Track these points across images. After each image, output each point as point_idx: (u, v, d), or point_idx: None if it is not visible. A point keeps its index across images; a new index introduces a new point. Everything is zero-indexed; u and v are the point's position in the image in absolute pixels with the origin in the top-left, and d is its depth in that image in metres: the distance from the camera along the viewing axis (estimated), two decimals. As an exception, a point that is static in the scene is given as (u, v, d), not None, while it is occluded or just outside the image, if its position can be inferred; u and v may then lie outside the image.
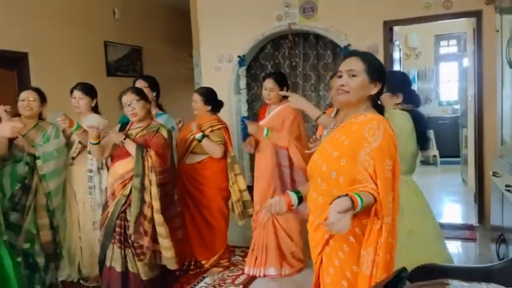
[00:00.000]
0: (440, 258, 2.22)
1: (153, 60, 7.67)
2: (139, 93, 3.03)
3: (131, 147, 2.91)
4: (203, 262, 3.50)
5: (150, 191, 2.89)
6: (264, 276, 3.36)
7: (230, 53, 5.08)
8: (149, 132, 2.99)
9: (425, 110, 9.22)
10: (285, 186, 3.26)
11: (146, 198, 2.89)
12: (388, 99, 2.27)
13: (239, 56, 5.01)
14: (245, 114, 5.09)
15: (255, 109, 5.25)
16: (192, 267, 3.52)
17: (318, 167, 1.70)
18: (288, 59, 5.15)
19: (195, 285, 3.29)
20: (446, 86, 9.18)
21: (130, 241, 2.91)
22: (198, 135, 3.36)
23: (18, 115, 3.24)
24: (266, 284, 3.29)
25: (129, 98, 2.96)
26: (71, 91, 3.47)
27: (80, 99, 3.42)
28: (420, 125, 2.32)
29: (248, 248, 3.87)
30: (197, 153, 3.45)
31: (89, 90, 3.49)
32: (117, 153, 3.04)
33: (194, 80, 7.88)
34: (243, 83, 5.08)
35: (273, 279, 3.33)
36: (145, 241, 2.87)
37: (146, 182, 2.88)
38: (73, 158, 3.38)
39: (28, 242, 3.04)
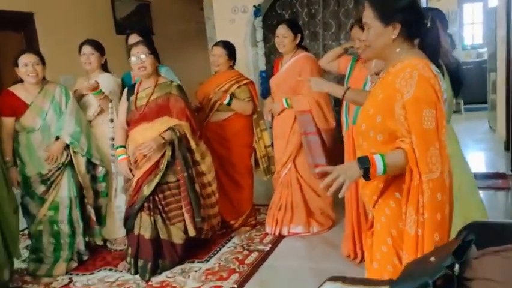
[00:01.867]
0: (481, 211, 2.07)
1: (162, 15, 7.38)
2: (150, 46, 2.86)
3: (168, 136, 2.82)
4: (231, 222, 3.43)
5: (199, 172, 2.90)
6: (290, 234, 3.28)
7: (244, 3, 4.78)
8: (162, 94, 2.84)
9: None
10: (316, 156, 3.10)
11: (197, 187, 2.89)
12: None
13: (254, 6, 4.72)
14: (263, 68, 4.86)
15: (273, 62, 5.01)
16: (218, 227, 3.44)
17: (358, 125, 1.59)
18: (306, 7, 4.83)
19: (223, 246, 3.23)
20: (470, 29, 8.72)
21: (159, 207, 2.85)
22: (226, 100, 3.23)
23: (18, 81, 3.02)
24: (295, 242, 3.21)
25: (139, 50, 2.80)
26: (80, 48, 3.29)
27: (90, 54, 3.24)
28: (454, 69, 2.12)
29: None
30: (222, 111, 3.31)
31: (98, 46, 3.31)
32: (133, 118, 2.89)
33: (206, 35, 7.62)
34: (259, 34, 4.82)
35: (301, 237, 3.25)
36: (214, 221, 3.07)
37: (194, 173, 2.87)
38: (90, 121, 3.25)
39: (52, 210, 3.01)
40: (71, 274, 2.99)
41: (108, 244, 3.37)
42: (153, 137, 2.76)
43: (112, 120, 3.21)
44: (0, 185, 2.71)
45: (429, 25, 1.53)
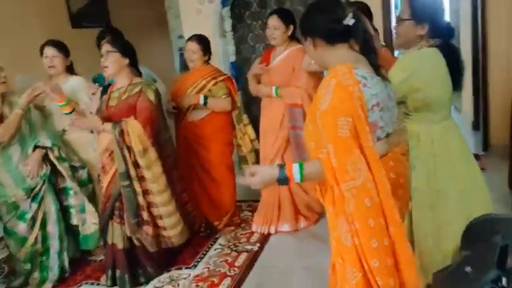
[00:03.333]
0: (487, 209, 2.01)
1: (120, 5, 7.03)
2: (113, 44, 2.66)
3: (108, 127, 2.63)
4: (215, 223, 3.31)
5: (141, 177, 2.63)
6: (277, 232, 3.22)
7: (210, -8, 4.61)
8: (133, 94, 2.66)
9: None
10: (303, 152, 3.01)
11: (137, 188, 2.63)
12: (411, 28, 1.94)
13: (221, -5, 4.56)
14: (233, 59, 4.72)
15: (242, 53, 4.88)
16: (202, 229, 3.33)
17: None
18: (275, -6, 4.72)
19: (209, 249, 3.12)
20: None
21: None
22: (201, 101, 3.08)
23: None
24: (283, 239, 3.15)
25: (103, 48, 2.63)
26: (41, 49, 3.01)
27: (54, 57, 2.97)
28: (454, 61, 2.04)
29: (254, 201, 3.74)
30: (199, 109, 3.16)
31: (62, 47, 3.04)
32: (101, 119, 2.69)
33: (168, 25, 7.34)
34: (228, 25, 4.66)
35: (289, 233, 3.19)
36: (149, 231, 2.68)
37: (133, 173, 2.60)
38: (64, 130, 3.02)
39: (42, 227, 2.83)
40: (50, 292, 2.81)
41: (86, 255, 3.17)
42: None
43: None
44: None
45: (351, 22, 1.43)
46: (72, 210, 2.97)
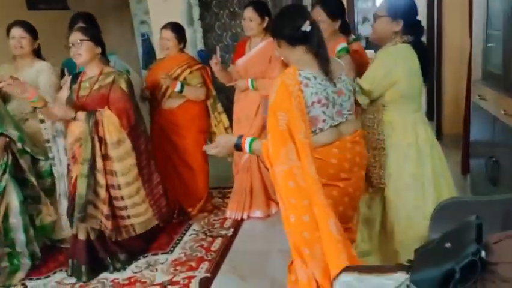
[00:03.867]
0: (451, 192, 2.22)
1: (78, -13, 6.79)
2: (85, 32, 2.65)
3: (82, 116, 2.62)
4: (189, 210, 3.38)
5: (109, 170, 2.66)
6: (249, 218, 3.33)
7: (178, -21, 4.58)
8: (105, 84, 2.66)
9: (364, 30, 9.28)
10: None
11: (101, 180, 2.65)
12: (387, 24, 2.09)
13: (189, -17, 4.54)
14: (201, 47, 4.74)
15: (209, 41, 4.90)
16: (175, 215, 3.38)
17: None
18: (242, -17, 4.77)
19: (184, 234, 3.19)
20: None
21: None
22: (177, 88, 3.09)
23: None
24: (256, 225, 3.26)
25: (73, 37, 2.61)
26: (8, 30, 2.92)
27: (21, 38, 2.89)
28: (424, 57, 2.22)
29: (225, 188, 3.83)
30: (175, 98, 3.18)
31: (31, 28, 2.95)
32: (72, 109, 2.67)
33: (129, 10, 7.17)
34: (196, 13, 4.67)
35: (261, 218, 3.31)
36: (108, 225, 2.70)
37: (99, 165, 2.62)
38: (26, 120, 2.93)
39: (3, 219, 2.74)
40: (24, 280, 2.77)
41: (58, 243, 3.14)
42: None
43: (42, 121, 2.90)
44: None
45: (308, 29, 1.72)
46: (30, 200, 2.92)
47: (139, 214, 2.82)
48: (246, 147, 1.77)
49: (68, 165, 2.78)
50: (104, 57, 2.79)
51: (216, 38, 4.92)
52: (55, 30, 4.24)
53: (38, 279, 2.79)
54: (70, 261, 2.78)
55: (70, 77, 2.82)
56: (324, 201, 1.56)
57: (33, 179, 2.85)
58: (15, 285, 2.73)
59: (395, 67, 2.00)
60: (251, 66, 3.08)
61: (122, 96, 2.65)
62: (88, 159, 2.60)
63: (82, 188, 2.61)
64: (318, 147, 1.72)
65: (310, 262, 1.58)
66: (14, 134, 2.72)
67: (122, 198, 2.73)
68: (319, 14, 2.50)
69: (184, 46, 3.26)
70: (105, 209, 2.68)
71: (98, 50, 2.68)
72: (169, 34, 3.14)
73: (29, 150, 2.81)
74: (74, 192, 2.67)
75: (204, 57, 4.71)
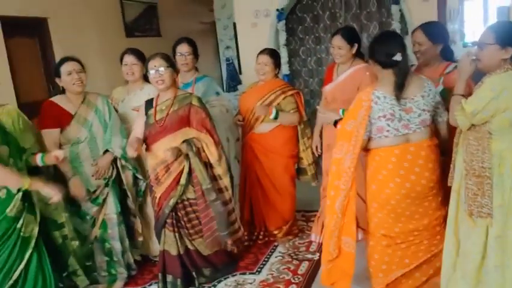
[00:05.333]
0: None
1: (169, 16, 7.29)
2: (168, 59, 2.80)
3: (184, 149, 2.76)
4: (275, 232, 3.41)
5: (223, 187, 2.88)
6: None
7: (266, 6, 4.74)
8: (182, 105, 2.78)
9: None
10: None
11: (226, 197, 2.90)
12: (495, 52, 2.01)
13: (277, 10, 4.69)
14: (287, 71, 4.85)
15: (293, 65, 5.01)
16: (261, 236, 3.44)
17: None
18: (328, 10, 4.83)
19: (270, 255, 3.23)
20: (471, 26, 8.82)
21: (182, 222, 2.84)
22: (272, 115, 3.15)
23: (62, 92, 2.91)
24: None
25: (157, 63, 2.72)
26: (121, 57, 3.20)
27: (133, 65, 3.15)
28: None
29: (308, 211, 3.82)
30: (267, 122, 3.24)
31: (141, 56, 3.20)
32: (153, 132, 2.80)
33: (216, 36, 7.54)
34: (282, 38, 4.78)
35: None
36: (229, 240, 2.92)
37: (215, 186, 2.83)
38: None
39: (102, 228, 2.94)
40: (122, 290, 2.96)
41: (150, 256, 3.31)
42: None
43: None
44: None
45: (399, 59, 2.19)
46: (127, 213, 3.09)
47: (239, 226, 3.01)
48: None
49: (151, 186, 2.88)
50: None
51: (301, 62, 5.01)
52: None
53: (136, 289, 2.95)
54: (160, 275, 2.88)
55: (144, 102, 2.91)
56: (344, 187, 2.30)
57: (131, 194, 3.05)
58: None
59: (504, 93, 1.92)
60: (339, 94, 2.99)
61: (206, 116, 2.79)
62: (209, 186, 2.77)
63: (218, 208, 2.80)
64: (379, 147, 2.28)
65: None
66: (118, 152, 2.93)
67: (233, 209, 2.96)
68: (419, 37, 2.58)
69: (279, 72, 3.33)
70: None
71: (175, 75, 2.84)
72: (266, 59, 3.21)
73: (130, 167, 3.01)
74: (159, 210, 2.82)
75: (288, 81, 4.81)
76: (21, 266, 2.23)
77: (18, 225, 2.22)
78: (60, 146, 2.83)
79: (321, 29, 4.91)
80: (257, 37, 4.70)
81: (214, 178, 2.82)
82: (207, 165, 2.79)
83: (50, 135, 2.77)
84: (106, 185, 2.92)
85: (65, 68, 2.81)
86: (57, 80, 2.86)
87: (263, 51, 3.28)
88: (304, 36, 4.98)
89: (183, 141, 2.74)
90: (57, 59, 4.89)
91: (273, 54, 3.26)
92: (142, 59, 3.18)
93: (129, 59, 3.16)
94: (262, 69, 3.22)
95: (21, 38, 4.92)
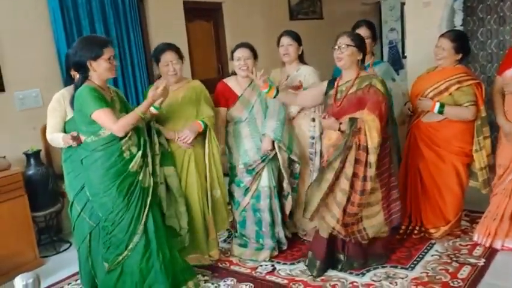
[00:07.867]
0: None
1: (332, -1, 7.21)
2: (353, 38, 2.70)
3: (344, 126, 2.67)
4: (431, 231, 3.16)
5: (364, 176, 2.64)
6: (503, 248, 2.92)
7: (442, -17, 4.33)
8: (362, 87, 2.66)
9: None
10: None
11: (345, 186, 2.67)
12: None
13: (456, -14, 4.24)
14: (460, 55, 4.38)
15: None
16: (415, 231, 3.22)
17: None
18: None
19: (425, 253, 3.01)
20: None
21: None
22: (436, 109, 2.91)
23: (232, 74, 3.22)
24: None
25: (341, 40, 2.68)
26: (278, 39, 3.30)
27: (289, 45, 3.23)
28: None
29: (474, 212, 3.46)
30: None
31: (297, 37, 3.27)
32: (329, 113, 2.74)
33: (378, 17, 7.23)
34: (458, 19, 4.32)
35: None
36: (342, 231, 2.74)
37: (349, 170, 2.64)
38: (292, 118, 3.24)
39: (254, 198, 3.12)
40: (272, 261, 3.09)
41: (300, 234, 3.39)
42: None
43: (313, 120, 3.18)
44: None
45: None
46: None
47: (370, 216, 2.77)
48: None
49: (323, 167, 2.81)
50: (362, 65, 2.82)
51: (478, 45, 4.47)
52: (311, 37, 4.56)
53: (284, 263, 3.06)
54: (309, 253, 2.94)
55: (326, 82, 2.90)
56: None
57: (286, 175, 3.13)
58: (260, 262, 3.08)
59: None
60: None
61: (382, 100, 2.61)
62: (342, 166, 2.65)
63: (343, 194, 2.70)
64: None
65: None
66: (271, 134, 3.01)
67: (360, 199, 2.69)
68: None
69: (462, 58, 2.99)
70: (339, 213, 2.69)
71: (360, 56, 2.72)
72: (445, 43, 2.94)
73: (284, 149, 3.07)
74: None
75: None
76: (146, 211, 2.54)
77: (140, 178, 2.54)
78: (226, 123, 3.18)
79: (507, 8, 4.28)
80: (428, 18, 4.32)
81: (357, 162, 2.63)
82: (359, 148, 2.60)
83: (221, 112, 3.15)
84: (263, 161, 3.07)
85: (236, 54, 3.07)
86: (231, 63, 3.16)
87: (443, 35, 3.00)
88: (486, 16, 4.41)
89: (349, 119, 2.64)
90: (228, 41, 5.29)
91: (457, 38, 2.95)
92: (298, 40, 3.25)
93: (285, 40, 3.24)
94: (440, 53, 2.96)
95: (200, 21, 5.41)
